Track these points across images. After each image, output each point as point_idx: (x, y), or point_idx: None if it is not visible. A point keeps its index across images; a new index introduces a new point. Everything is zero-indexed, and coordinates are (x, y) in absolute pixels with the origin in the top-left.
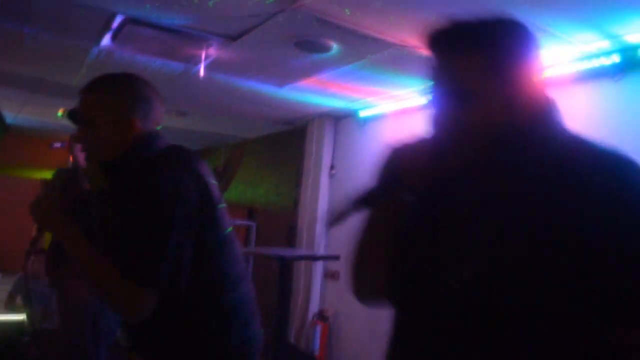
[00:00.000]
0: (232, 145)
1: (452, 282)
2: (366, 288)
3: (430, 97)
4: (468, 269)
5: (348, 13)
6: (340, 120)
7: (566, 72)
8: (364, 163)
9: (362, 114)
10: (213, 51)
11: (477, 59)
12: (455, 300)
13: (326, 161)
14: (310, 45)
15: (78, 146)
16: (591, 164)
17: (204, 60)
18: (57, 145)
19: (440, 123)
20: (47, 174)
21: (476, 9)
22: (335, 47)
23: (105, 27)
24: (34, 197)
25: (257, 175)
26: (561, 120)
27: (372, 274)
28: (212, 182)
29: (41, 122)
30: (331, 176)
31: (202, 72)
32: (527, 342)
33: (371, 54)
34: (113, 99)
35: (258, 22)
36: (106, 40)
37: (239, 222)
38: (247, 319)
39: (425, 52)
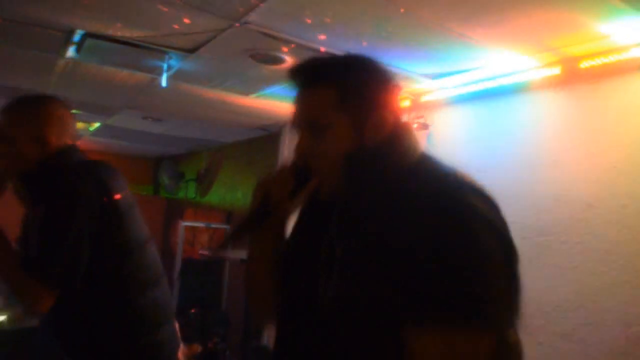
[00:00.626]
0: (213, 150)
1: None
2: (258, 311)
3: (292, 127)
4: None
5: (289, 26)
6: None
7: (508, 82)
8: None
9: None
10: (174, 62)
11: (327, 93)
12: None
13: None
14: (264, 57)
15: None
16: (411, 198)
17: (166, 71)
18: None
19: (298, 152)
20: None
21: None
22: (288, 59)
23: (67, 41)
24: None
25: (235, 179)
26: (411, 146)
27: (259, 298)
28: (121, 190)
29: None
30: None
31: (163, 83)
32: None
33: None
34: (30, 118)
35: (210, 37)
36: (71, 52)
37: (216, 225)
38: (157, 323)
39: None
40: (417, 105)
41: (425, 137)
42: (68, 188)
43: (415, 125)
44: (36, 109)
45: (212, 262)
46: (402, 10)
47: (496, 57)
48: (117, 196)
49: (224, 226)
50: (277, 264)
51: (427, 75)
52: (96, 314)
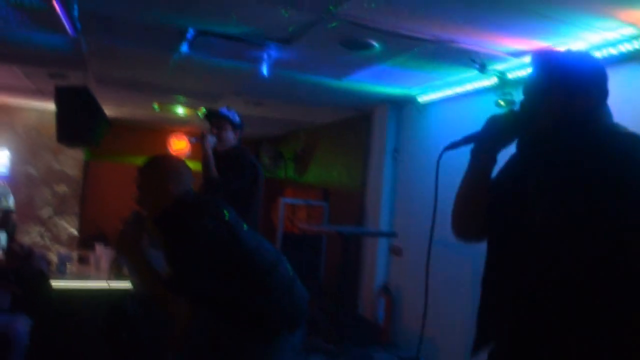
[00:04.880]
0: (309, 130)
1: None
2: (461, 226)
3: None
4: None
5: (377, 14)
6: (403, 106)
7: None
8: (425, 146)
9: (421, 99)
10: (273, 53)
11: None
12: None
13: (390, 144)
14: (354, 44)
15: (207, 139)
16: (614, 150)
17: (266, 61)
18: (193, 140)
19: (525, 107)
20: (141, 160)
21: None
22: (376, 45)
23: (181, 38)
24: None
25: (331, 158)
26: (607, 116)
27: (465, 213)
28: (231, 216)
29: (138, 115)
30: (395, 159)
31: (264, 71)
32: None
33: (410, 49)
34: (154, 176)
35: (304, 29)
36: (184, 47)
37: (314, 202)
38: (281, 294)
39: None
40: (504, 83)
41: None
42: (184, 228)
43: (502, 102)
44: (157, 168)
45: (311, 237)
46: None
47: (579, 32)
48: (229, 222)
49: (322, 203)
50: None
51: (511, 53)
52: (244, 298)
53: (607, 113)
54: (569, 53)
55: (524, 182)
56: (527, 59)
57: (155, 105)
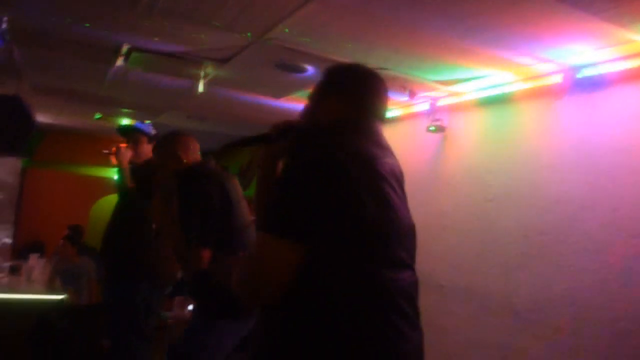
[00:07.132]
0: (254, 145)
1: None
2: None
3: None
4: None
5: (309, 41)
6: None
7: (512, 90)
8: None
9: None
10: (210, 70)
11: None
12: None
13: None
14: (288, 67)
15: (122, 153)
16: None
17: (203, 78)
18: (105, 151)
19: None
20: (83, 169)
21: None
22: (309, 68)
23: (116, 53)
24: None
25: None
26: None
27: None
28: (232, 189)
29: (75, 124)
30: None
31: (200, 89)
32: None
33: None
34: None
35: (238, 50)
36: (120, 61)
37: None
38: None
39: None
40: (435, 109)
41: (442, 138)
42: (197, 189)
43: (432, 128)
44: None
45: None
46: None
47: (503, 65)
48: (229, 193)
49: None
50: None
51: (440, 82)
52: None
53: (366, 128)
54: (345, 65)
55: None
56: (458, 87)
57: (97, 115)
